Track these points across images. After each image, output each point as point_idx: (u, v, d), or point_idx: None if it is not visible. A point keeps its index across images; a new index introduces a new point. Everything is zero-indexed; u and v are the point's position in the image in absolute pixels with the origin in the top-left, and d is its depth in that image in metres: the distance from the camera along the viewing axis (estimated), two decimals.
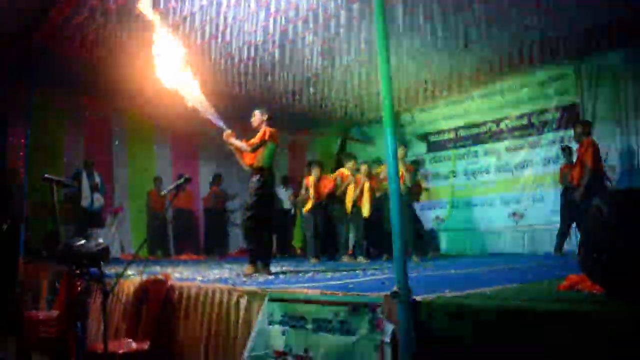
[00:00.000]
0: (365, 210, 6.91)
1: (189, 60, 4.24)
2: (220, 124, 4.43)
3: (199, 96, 4.23)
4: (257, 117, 4.66)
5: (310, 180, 7.16)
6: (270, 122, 4.66)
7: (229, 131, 4.49)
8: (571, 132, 7.44)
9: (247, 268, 4.49)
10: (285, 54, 6.39)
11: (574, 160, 6.45)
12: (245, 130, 4.76)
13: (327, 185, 7.13)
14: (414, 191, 7.19)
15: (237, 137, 4.59)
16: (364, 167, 7.14)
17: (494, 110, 8.41)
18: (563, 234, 6.64)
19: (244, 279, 3.93)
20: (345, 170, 7.20)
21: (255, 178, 4.52)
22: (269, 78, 7.19)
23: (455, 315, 2.06)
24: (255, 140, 4.54)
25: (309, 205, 6.97)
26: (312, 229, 6.97)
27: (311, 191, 6.99)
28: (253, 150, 4.51)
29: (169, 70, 4.10)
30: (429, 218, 8.80)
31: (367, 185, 7.01)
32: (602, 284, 2.11)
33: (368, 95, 8.13)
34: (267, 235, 4.58)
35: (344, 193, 7.09)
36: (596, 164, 5.95)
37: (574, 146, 6.67)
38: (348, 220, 7.03)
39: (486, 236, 8.34)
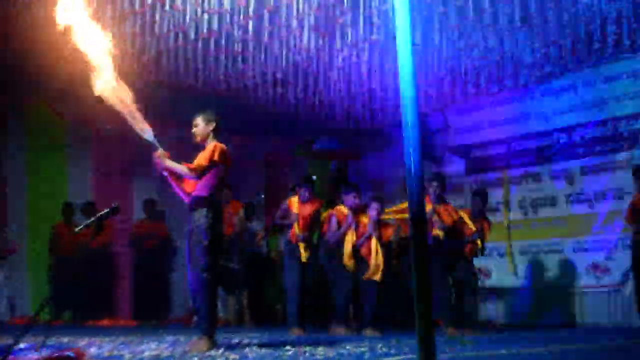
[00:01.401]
0: (378, 274, 6.79)
1: (119, 38, 4.31)
2: (151, 138, 4.50)
3: (122, 92, 4.29)
4: (200, 127, 4.78)
5: (294, 201, 7.13)
6: (219, 133, 4.77)
7: (161, 151, 4.55)
8: None
9: (198, 341, 4.47)
10: (264, 29, 6.41)
11: None
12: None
13: (311, 206, 7.13)
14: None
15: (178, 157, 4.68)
16: (374, 208, 7.01)
17: (565, 114, 8.46)
18: None
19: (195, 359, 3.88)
20: (344, 209, 7.07)
21: (200, 214, 4.59)
22: (239, 63, 7.23)
23: None
24: (201, 161, 4.63)
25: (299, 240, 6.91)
26: (296, 283, 6.91)
27: (299, 222, 6.96)
28: (199, 175, 4.60)
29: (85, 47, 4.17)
30: None
31: (374, 239, 6.85)
32: None
33: (381, 90, 8.19)
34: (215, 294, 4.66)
35: (339, 241, 6.97)
36: None
37: None
38: (345, 276, 6.98)
39: (553, 298, 8.31)
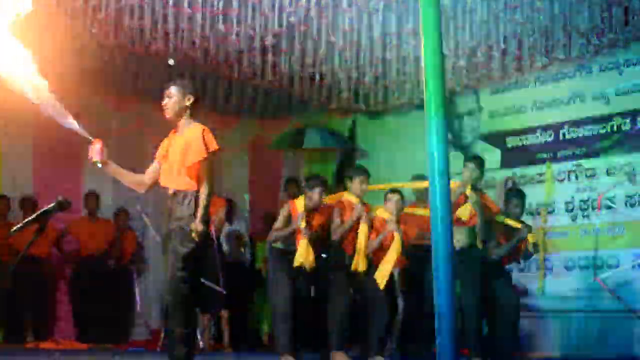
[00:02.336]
0: (382, 281, 6.93)
1: None
2: (78, 128, 4.52)
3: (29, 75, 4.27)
4: (174, 99, 4.83)
5: (297, 205, 7.07)
6: (196, 111, 4.85)
7: (97, 145, 4.62)
8: None
9: None
10: None
11: None
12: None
13: (321, 216, 7.14)
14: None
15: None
16: (393, 200, 7.08)
17: (629, 94, 8.43)
18: None
19: None
20: (350, 197, 7.16)
21: (185, 212, 4.65)
22: (220, 23, 7.20)
23: None
24: (197, 156, 4.67)
25: (299, 253, 6.90)
26: (287, 299, 6.91)
27: (302, 224, 6.94)
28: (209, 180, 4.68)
29: None
30: None
31: (397, 236, 6.99)
32: None
33: (397, 60, 8.16)
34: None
35: (344, 238, 7.10)
36: None
37: None
38: (344, 289, 7.02)
39: (605, 325, 8.30)
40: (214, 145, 4.70)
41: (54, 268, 9.35)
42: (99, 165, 4.64)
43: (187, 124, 4.79)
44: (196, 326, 4.78)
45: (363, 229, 6.98)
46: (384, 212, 7.17)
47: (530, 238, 7.04)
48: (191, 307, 4.64)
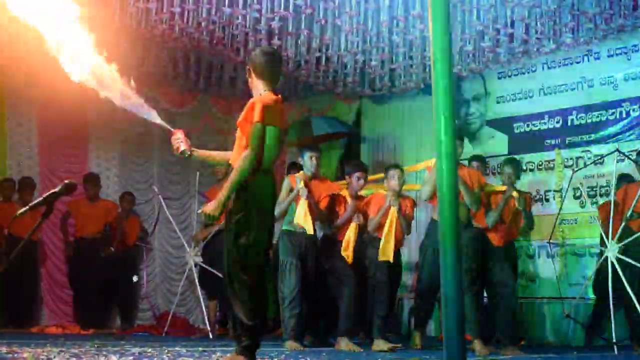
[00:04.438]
0: (388, 255, 6.94)
1: None
2: (157, 120, 4.50)
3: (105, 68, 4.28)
4: (248, 75, 4.70)
5: (298, 178, 7.06)
6: (270, 78, 4.59)
7: (179, 135, 4.51)
8: None
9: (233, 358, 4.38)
10: None
11: None
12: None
13: (327, 190, 7.14)
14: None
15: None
16: (395, 176, 7.04)
17: (636, 80, 8.41)
18: None
19: None
20: (347, 194, 7.19)
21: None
22: (225, 7, 7.21)
23: None
24: (243, 128, 4.44)
25: (297, 213, 6.87)
26: (296, 286, 6.93)
27: (300, 184, 6.94)
28: (257, 148, 4.36)
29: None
30: None
31: (394, 218, 6.98)
32: None
33: (404, 44, 8.15)
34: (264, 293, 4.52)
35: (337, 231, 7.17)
36: None
37: None
38: (349, 277, 7.04)
39: (613, 312, 8.28)
40: (256, 117, 4.33)
41: (42, 251, 9.38)
42: (187, 153, 4.49)
43: (255, 94, 4.55)
44: (260, 318, 4.37)
45: (353, 227, 6.99)
46: (384, 189, 7.23)
47: (515, 193, 6.99)
48: (247, 295, 4.35)
